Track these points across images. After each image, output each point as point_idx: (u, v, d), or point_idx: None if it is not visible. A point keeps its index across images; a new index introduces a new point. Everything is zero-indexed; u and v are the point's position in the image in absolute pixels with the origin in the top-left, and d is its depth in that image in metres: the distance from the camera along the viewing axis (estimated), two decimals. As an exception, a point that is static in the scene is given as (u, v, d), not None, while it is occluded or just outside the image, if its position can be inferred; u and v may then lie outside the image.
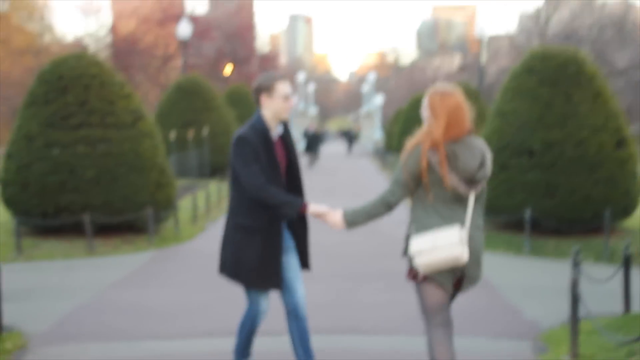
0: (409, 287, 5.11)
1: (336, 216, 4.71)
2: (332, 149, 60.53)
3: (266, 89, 5.02)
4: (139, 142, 13.22)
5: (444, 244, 4.36)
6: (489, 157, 4.57)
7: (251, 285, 5.08)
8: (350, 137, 56.60)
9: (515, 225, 13.23)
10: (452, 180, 4.42)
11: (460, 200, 4.51)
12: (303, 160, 35.95)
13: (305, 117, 60.42)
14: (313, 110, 70.65)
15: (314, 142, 37.65)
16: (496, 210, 13.12)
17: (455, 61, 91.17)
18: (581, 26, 58.74)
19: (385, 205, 4.57)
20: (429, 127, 4.49)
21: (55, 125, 12.85)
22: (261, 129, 5.03)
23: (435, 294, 4.52)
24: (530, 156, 12.97)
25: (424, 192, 4.49)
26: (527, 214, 12.27)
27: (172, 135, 20.71)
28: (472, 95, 24.56)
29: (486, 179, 4.57)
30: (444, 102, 4.50)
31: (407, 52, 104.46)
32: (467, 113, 4.54)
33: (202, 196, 18.01)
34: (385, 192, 4.57)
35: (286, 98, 5.05)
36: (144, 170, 13.08)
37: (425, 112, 4.55)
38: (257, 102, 5.09)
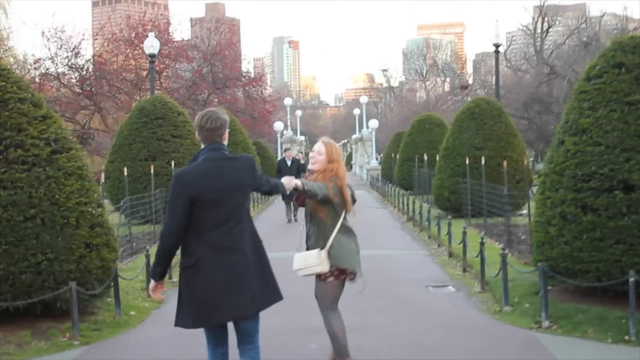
0: None
1: None
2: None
3: (227, 126, 5.55)
4: (60, 184, 9.11)
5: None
6: None
7: None
8: None
9: (604, 293, 9.20)
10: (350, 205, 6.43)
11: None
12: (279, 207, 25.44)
13: (294, 144, 56.43)
14: (300, 138, 67.17)
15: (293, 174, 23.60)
16: (576, 270, 9.07)
17: (447, 80, 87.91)
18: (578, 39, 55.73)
19: None
20: (331, 167, 6.38)
21: None
22: None
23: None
24: (627, 191, 8.87)
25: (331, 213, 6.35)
26: (631, 277, 8.18)
27: (129, 170, 16.39)
28: (496, 111, 20.48)
29: None
30: (337, 150, 6.52)
31: (395, 73, 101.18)
32: None
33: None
34: None
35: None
36: (66, 226, 8.98)
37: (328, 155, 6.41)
38: (221, 137, 5.48)
